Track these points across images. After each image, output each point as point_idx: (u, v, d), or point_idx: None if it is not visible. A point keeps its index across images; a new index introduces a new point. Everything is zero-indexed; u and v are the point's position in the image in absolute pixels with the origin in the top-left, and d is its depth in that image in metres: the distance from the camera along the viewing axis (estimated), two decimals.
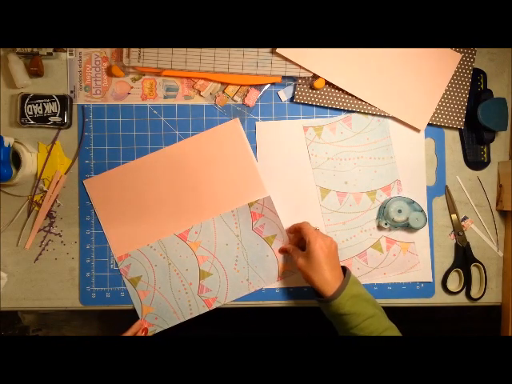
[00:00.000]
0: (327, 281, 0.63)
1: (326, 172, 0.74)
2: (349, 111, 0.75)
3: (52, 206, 0.75)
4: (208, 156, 0.73)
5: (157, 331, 0.72)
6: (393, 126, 0.75)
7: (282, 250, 0.73)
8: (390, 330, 0.63)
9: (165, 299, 0.73)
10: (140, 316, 0.72)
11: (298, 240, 0.72)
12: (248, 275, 0.73)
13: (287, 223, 0.74)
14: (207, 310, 0.72)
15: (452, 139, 0.77)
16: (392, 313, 0.73)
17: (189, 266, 0.72)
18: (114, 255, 0.73)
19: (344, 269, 0.66)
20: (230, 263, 0.73)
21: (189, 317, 0.73)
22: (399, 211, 0.72)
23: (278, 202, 0.74)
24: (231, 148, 0.73)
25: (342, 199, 0.74)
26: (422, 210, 0.73)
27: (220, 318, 0.77)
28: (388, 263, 0.74)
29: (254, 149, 0.75)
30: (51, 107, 0.73)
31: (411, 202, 0.73)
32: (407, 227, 0.73)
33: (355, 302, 0.62)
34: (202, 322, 0.75)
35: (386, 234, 0.74)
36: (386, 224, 0.73)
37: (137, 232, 0.73)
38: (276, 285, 0.74)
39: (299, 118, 0.76)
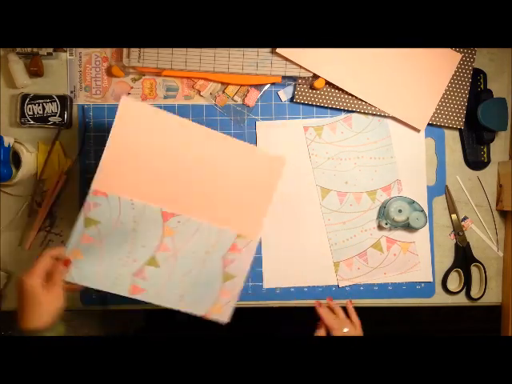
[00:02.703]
0: None
1: (326, 172, 0.74)
2: (349, 111, 0.75)
3: (52, 205, 0.74)
4: (237, 168, 0.66)
5: (68, 280, 0.61)
6: (393, 125, 0.75)
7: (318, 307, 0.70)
8: None
9: (100, 257, 0.63)
10: (66, 253, 0.62)
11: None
12: (185, 292, 0.66)
13: (287, 225, 0.74)
14: (127, 294, 0.64)
15: (452, 139, 0.77)
16: (392, 313, 0.74)
17: (147, 244, 0.65)
18: (91, 186, 0.61)
19: None
20: (182, 270, 0.66)
21: (106, 289, 0.63)
22: (399, 211, 0.72)
23: (278, 203, 0.73)
24: (262, 176, 0.66)
25: (342, 199, 0.74)
26: (423, 210, 0.73)
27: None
28: (388, 263, 0.74)
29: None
30: (51, 107, 0.73)
31: (411, 202, 0.73)
32: (407, 227, 0.73)
33: None
34: (202, 322, 0.75)
35: (386, 233, 0.74)
36: (386, 224, 0.73)
37: (130, 180, 0.64)
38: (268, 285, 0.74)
39: (299, 117, 0.76)
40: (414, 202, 0.73)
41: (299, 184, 0.75)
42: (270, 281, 0.75)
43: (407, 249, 0.74)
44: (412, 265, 0.75)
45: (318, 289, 0.75)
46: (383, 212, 0.73)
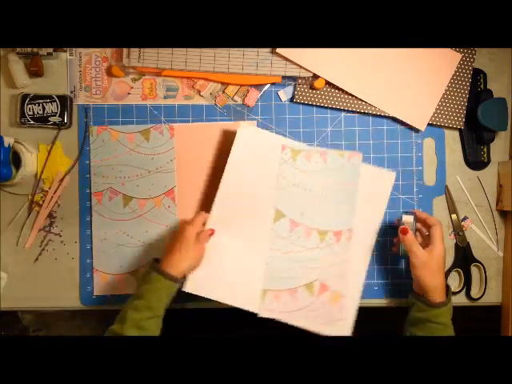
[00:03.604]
0: (439, 286, 0.64)
1: (287, 196, 0.71)
2: (349, 111, 0.75)
3: (52, 206, 0.74)
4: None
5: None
6: (366, 170, 0.72)
7: (404, 231, 0.67)
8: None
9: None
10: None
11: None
12: None
13: (233, 232, 0.71)
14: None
15: (452, 139, 0.77)
16: (393, 312, 0.73)
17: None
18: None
19: None
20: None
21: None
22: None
23: (232, 207, 0.71)
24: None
25: (293, 228, 0.71)
26: None
27: (221, 319, 0.77)
28: (314, 308, 0.70)
29: None
30: (51, 107, 0.73)
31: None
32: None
33: (450, 315, 0.65)
34: (201, 322, 0.75)
35: (321, 278, 0.70)
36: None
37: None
38: None
39: (299, 117, 0.76)
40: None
41: (258, 197, 0.71)
42: (195, 286, 0.68)
43: (338, 300, 0.70)
44: (337, 319, 0.70)
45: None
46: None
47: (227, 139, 0.74)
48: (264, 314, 0.69)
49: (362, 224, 0.72)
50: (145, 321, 0.59)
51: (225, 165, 0.71)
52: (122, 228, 0.74)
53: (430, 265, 0.64)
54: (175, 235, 0.66)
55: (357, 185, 0.72)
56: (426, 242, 0.67)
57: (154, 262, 0.63)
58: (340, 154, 0.72)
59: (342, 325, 0.70)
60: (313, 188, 0.72)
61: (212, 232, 0.68)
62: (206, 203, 0.73)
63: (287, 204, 0.72)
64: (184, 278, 0.65)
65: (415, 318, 0.66)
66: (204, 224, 0.68)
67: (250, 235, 0.71)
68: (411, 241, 0.66)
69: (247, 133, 0.72)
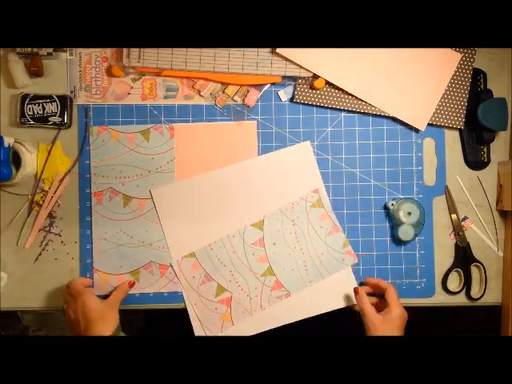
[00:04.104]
0: None
1: (278, 222, 0.74)
2: (349, 111, 0.75)
3: (52, 206, 0.74)
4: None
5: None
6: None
7: (355, 290, 0.70)
8: None
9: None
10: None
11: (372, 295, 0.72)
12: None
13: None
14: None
15: (452, 139, 0.77)
16: None
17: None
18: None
19: None
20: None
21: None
22: (409, 213, 0.73)
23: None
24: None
25: (256, 244, 0.74)
26: (422, 223, 0.74)
27: None
28: (204, 306, 0.74)
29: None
30: (51, 107, 0.73)
31: (421, 207, 0.74)
32: (398, 239, 0.74)
33: None
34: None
35: (234, 295, 0.73)
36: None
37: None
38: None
39: (299, 117, 0.76)
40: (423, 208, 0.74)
41: (262, 195, 0.74)
42: (158, 193, 0.74)
43: (225, 320, 0.73)
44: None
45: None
46: (395, 220, 0.74)
47: (227, 139, 0.74)
48: (174, 267, 0.73)
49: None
50: None
51: (224, 164, 0.74)
52: (122, 228, 0.74)
53: (383, 328, 0.65)
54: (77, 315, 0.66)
55: (327, 273, 0.74)
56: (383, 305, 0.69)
57: None
58: (344, 244, 0.74)
59: None
60: (301, 239, 0.74)
61: (133, 283, 0.72)
62: None
63: (272, 226, 0.74)
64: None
65: None
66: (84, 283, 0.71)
67: (229, 210, 0.74)
68: (363, 300, 0.68)
69: (304, 153, 0.75)
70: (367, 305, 0.68)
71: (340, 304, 0.73)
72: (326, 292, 0.74)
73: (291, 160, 0.75)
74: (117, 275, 0.74)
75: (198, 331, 0.73)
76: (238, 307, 0.73)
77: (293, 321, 0.73)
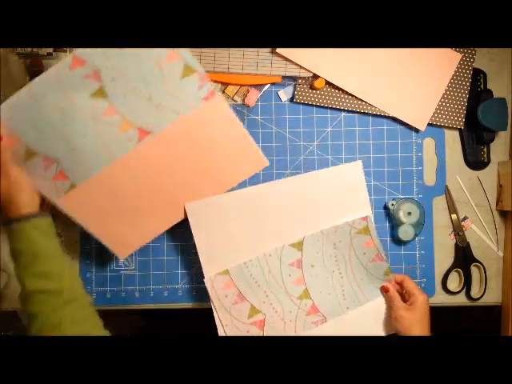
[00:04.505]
0: (426, 335, 0.65)
1: (319, 245, 0.69)
2: (349, 111, 0.75)
3: (52, 205, 0.74)
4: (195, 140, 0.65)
5: None
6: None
7: (385, 289, 0.70)
8: None
9: None
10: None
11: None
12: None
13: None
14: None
15: (452, 139, 0.77)
16: None
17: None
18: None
19: None
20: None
21: None
22: (409, 213, 0.73)
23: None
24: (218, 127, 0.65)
25: (293, 265, 0.69)
26: (422, 223, 0.74)
27: None
28: (235, 327, 0.68)
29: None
30: None
31: (421, 206, 0.74)
32: (398, 238, 0.74)
33: None
34: (202, 322, 0.75)
35: (268, 318, 0.68)
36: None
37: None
38: None
39: (299, 117, 0.76)
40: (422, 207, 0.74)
41: (306, 214, 0.70)
42: (195, 208, 0.68)
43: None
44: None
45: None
46: (395, 220, 0.74)
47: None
48: (207, 283, 0.67)
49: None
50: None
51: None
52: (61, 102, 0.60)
53: (415, 316, 0.66)
54: None
55: (366, 300, 0.71)
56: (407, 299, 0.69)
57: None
58: (386, 271, 0.70)
59: None
60: (340, 264, 0.70)
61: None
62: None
63: (312, 248, 0.69)
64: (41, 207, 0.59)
65: None
66: None
67: (269, 228, 0.69)
68: (394, 295, 0.69)
69: (354, 172, 0.70)
70: (397, 299, 0.68)
71: (379, 331, 0.71)
72: (364, 319, 0.71)
73: (339, 180, 0.70)
74: (12, 136, 0.58)
75: None
76: (271, 331, 0.68)
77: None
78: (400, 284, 0.70)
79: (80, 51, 0.58)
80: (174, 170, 0.65)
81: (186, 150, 0.65)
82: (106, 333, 0.56)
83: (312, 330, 0.69)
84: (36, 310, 0.53)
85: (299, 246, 0.69)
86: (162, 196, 0.66)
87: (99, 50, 0.58)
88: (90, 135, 0.60)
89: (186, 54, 0.60)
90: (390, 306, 0.69)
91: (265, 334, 0.68)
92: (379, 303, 0.71)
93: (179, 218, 0.68)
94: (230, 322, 0.68)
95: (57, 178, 0.61)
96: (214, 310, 0.68)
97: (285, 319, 0.69)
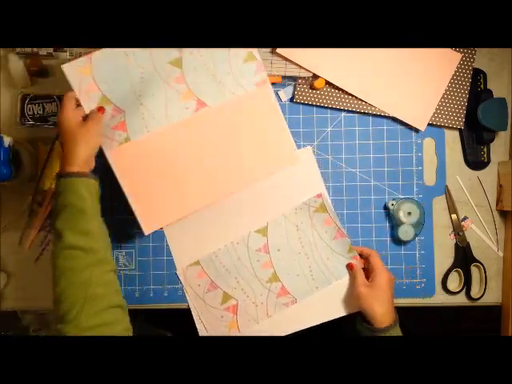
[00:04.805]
0: (385, 312, 0.65)
1: (282, 228, 0.73)
2: (349, 111, 0.75)
3: None
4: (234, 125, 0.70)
5: None
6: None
7: (350, 266, 0.72)
8: None
9: None
10: None
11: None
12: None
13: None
14: None
15: (452, 139, 0.77)
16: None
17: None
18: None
19: None
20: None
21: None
22: (409, 213, 0.73)
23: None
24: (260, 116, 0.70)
25: (261, 251, 0.73)
26: (422, 223, 0.74)
27: None
28: (209, 314, 0.73)
29: None
30: (51, 107, 0.73)
31: (421, 207, 0.74)
32: (398, 238, 0.74)
33: (397, 333, 0.65)
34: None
35: (240, 303, 0.72)
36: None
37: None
38: None
39: (299, 117, 0.76)
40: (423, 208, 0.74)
41: (265, 201, 0.73)
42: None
43: (232, 328, 0.73)
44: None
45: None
46: (395, 220, 0.74)
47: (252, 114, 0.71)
48: (180, 277, 0.73)
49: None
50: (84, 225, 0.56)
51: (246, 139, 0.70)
52: None
53: (375, 293, 0.66)
54: (60, 133, 0.62)
55: (334, 279, 0.73)
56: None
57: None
58: (349, 248, 0.72)
59: None
60: (305, 244, 0.73)
61: (102, 110, 0.63)
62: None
63: (276, 232, 0.73)
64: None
65: (358, 329, 0.68)
66: (77, 101, 0.63)
67: (233, 217, 0.73)
68: (358, 273, 0.70)
69: (305, 158, 0.74)
70: (359, 275, 0.69)
71: (348, 310, 0.72)
72: (333, 298, 0.72)
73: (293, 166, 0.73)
74: (94, 83, 0.65)
75: None
76: (244, 315, 0.72)
77: (300, 329, 0.72)
78: (366, 259, 0.71)
79: None
80: (217, 148, 0.69)
81: (231, 130, 0.69)
82: (123, 302, 0.58)
83: (283, 311, 0.72)
84: (69, 266, 0.55)
85: (264, 231, 0.73)
86: (201, 173, 0.69)
87: None
88: (157, 95, 0.66)
89: None
90: (352, 283, 0.71)
91: (238, 318, 0.72)
92: (347, 281, 0.73)
93: (214, 198, 0.70)
94: (204, 310, 0.72)
95: (117, 127, 0.65)
96: (188, 300, 0.73)
97: (256, 302, 0.72)
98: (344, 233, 0.72)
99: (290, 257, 0.73)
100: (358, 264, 0.71)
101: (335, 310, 0.72)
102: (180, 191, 0.68)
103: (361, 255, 0.72)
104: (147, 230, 0.67)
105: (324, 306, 0.72)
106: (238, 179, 0.70)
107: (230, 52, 0.67)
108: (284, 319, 0.72)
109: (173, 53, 0.66)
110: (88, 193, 0.58)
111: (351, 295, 0.71)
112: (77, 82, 0.63)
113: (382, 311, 0.65)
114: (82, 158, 0.59)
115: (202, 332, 0.73)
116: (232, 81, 0.67)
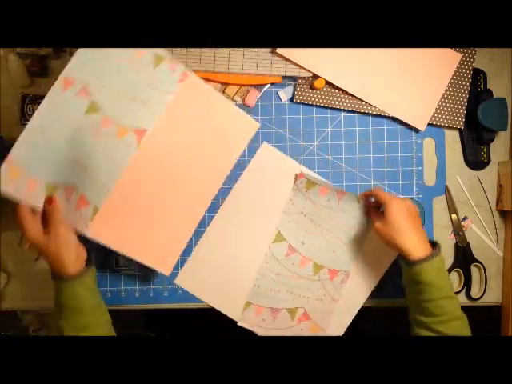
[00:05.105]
0: (413, 242, 0.60)
1: (292, 222, 0.73)
2: (349, 111, 0.75)
3: None
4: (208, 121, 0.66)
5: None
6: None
7: (366, 196, 0.69)
8: (463, 320, 0.60)
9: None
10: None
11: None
12: None
13: (229, 238, 0.73)
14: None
15: (452, 139, 0.77)
16: (392, 312, 0.73)
17: None
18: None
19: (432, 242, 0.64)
20: None
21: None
22: None
23: (235, 214, 0.74)
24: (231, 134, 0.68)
25: (289, 254, 0.73)
26: None
27: (221, 317, 0.77)
28: (291, 333, 0.73)
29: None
30: None
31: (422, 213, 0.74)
32: None
33: (441, 275, 0.60)
34: (201, 322, 0.75)
35: (306, 308, 0.73)
36: None
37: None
38: None
39: (299, 117, 0.76)
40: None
41: (262, 214, 0.73)
42: (184, 280, 0.74)
43: (315, 332, 0.73)
44: None
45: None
46: None
47: (224, 121, 0.69)
48: (243, 324, 0.73)
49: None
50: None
51: (206, 144, 0.67)
52: (67, 130, 0.60)
53: (390, 226, 0.62)
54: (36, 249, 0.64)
55: (365, 230, 0.72)
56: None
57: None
58: (357, 199, 0.71)
59: None
60: (319, 221, 0.73)
61: (50, 199, 0.59)
62: (168, 166, 0.66)
63: (290, 229, 0.73)
64: (85, 263, 0.62)
65: (404, 280, 0.64)
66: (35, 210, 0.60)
67: (247, 246, 0.73)
68: (368, 208, 0.69)
69: (268, 153, 0.74)
70: (375, 215, 0.67)
71: (389, 258, 0.72)
72: (373, 252, 0.73)
73: (263, 167, 0.74)
74: (30, 179, 0.59)
75: None
76: (318, 314, 0.73)
77: (371, 291, 0.73)
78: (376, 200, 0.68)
79: (66, 71, 0.59)
80: (179, 161, 0.66)
81: (182, 138, 0.65)
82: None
83: (344, 287, 0.73)
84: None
85: (280, 237, 0.73)
86: (178, 192, 0.66)
87: (81, 62, 0.59)
88: (94, 152, 0.60)
89: None
90: (367, 216, 0.71)
91: (315, 321, 0.73)
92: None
93: (203, 209, 0.68)
94: (285, 333, 0.73)
95: (80, 205, 0.61)
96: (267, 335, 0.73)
97: (319, 297, 0.73)
98: (343, 190, 0.72)
99: (315, 241, 0.73)
100: (369, 206, 0.70)
101: (381, 263, 0.73)
102: (170, 220, 0.66)
103: (367, 198, 0.70)
104: (167, 270, 0.67)
105: (371, 262, 0.73)
106: (216, 175, 0.68)
107: (137, 66, 0.61)
108: (351, 293, 0.73)
109: (83, 102, 0.59)
110: (87, 290, 0.59)
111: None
112: (13, 189, 0.58)
113: (407, 242, 0.60)
114: (68, 260, 0.58)
115: None
116: (154, 92, 0.62)
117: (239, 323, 0.73)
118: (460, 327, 0.59)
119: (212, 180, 0.68)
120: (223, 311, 0.73)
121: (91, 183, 0.61)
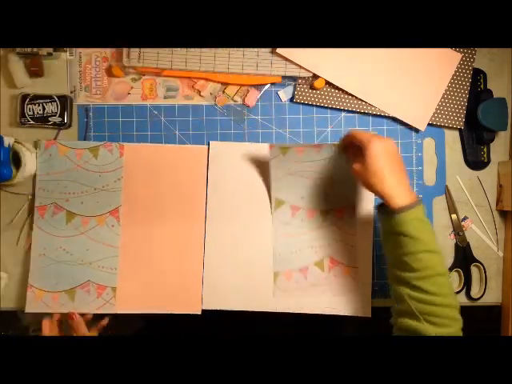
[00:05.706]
0: (394, 188, 0.56)
1: (284, 185, 0.73)
2: (349, 111, 0.75)
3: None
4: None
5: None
6: None
7: (344, 142, 0.63)
8: (445, 276, 0.56)
9: None
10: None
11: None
12: None
13: (233, 239, 0.74)
14: None
15: (452, 139, 0.77)
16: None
17: None
18: None
19: None
20: None
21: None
22: None
23: (227, 216, 0.74)
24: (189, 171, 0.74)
25: (294, 212, 0.73)
26: None
27: (221, 317, 0.77)
28: (327, 283, 0.73)
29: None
30: (51, 107, 0.73)
31: None
32: None
33: (422, 227, 0.55)
34: (201, 322, 0.75)
35: (330, 254, 0.73)
36: None
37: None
38: None
39: (299, 117, 0.76)
40: None
41: (251, 195, 0.74)
42: (208, 302, 0.73)
43: (348, 273, 0.73)
44: (349, 290, 0.73)
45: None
46: None
47: (176, 162, 0.74)
48: (278, 294, 0.73)
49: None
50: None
51: (173, 187, 0.74)
52: (62, 244, 0.73)
53: (369, 169, 0.56)
54: None
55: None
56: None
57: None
58: (336, 148, 0.69)
59: (356, 295, 0.73)
60: (308, 174, 0.72)
61: (71, 316, 0.71)
62: (152, 224, 0.74)
63: (285, 191, 0.73)
64: None
65: (384, 232, 0.60)
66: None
67: (251, 238, 0.74)
68: (345, 155, 0.66)
69: (219, 148, 0.74)
70: (351, 156, 0.62)
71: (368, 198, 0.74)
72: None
73: (221, 163, 0.74)
74: (52, 292, 0.73)
75: None
76: (343, 256, 0.73)
77: None
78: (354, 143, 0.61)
79: (37, 201, 0.73)
80: (159, 208, 0.74)
81: (151, 191, 0.74)
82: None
83: (355, 220, 0.73)
84: None
85: (279, 202, 0.73)
86: (170, 238, 0.74)
87: (44, 186, 0.73)
88: (89, 246, 0.73)
89: None
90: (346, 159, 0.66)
91: (343, 262, 0.73)
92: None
93: (201, 238, 0.74)
94: (318, 289, 0.74)
95: (99, 293, 0.73)
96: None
97: (338, 239, 0.73)
98: (319, 144, 0.71)
99: (313, 191, 0.73)
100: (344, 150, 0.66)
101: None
102: (178, 263, 0.74)
103: (348, 140, 0.63)
104: (197, 309, 0.73)
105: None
106: (195, 203, 0.74)
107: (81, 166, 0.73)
108: (363, 222, 0.74)
109: (61, 217, 0.73)
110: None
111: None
112: (42, 307, 0.73)
113: (386, 188, 0.56)
114: None
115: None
116: (107, 176, 0.73)
117: (275, 296, 0.72)
118: (443, 285, 0.56)
119: (194, 209, 0.74)
120: (256, 309, 0.73)
121: (99, 272, 0.73)
